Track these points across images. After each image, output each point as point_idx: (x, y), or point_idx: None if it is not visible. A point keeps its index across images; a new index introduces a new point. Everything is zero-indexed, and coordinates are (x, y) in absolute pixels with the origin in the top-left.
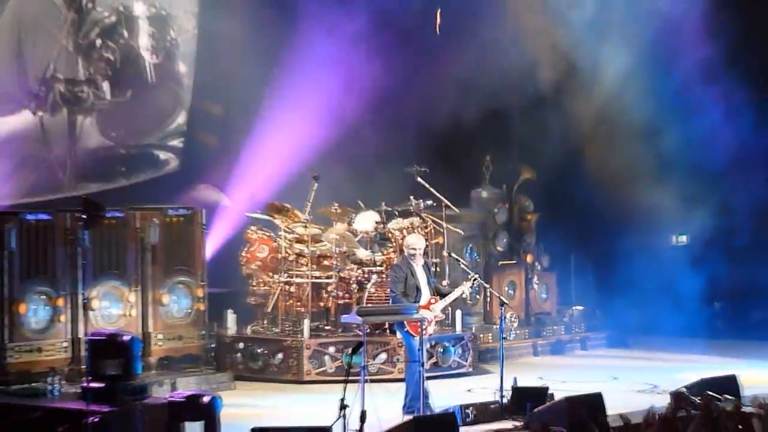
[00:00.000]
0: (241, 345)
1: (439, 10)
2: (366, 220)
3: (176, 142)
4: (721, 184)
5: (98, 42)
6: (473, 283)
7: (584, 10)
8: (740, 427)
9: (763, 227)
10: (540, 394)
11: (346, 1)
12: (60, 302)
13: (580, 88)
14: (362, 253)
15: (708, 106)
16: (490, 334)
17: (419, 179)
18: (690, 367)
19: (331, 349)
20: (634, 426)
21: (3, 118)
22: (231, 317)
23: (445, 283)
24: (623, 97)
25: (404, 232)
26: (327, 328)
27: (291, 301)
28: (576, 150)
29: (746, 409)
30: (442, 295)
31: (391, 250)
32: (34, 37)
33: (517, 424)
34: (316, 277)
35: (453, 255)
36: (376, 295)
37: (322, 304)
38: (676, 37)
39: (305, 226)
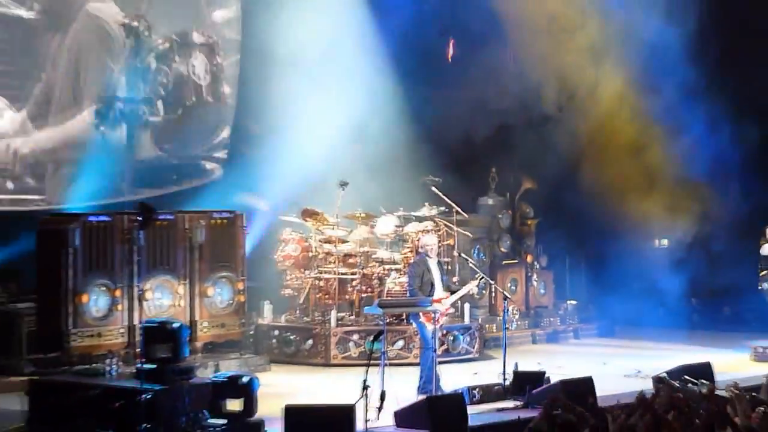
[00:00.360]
0: (276, 332)
1: (452, 40)
2: (386, 224)
3: (220, 154)
4: (700, 194)
5: (153, 65)
6: (480, 282)
7: (582, 39)
8: (715, 408)
9: (737, 234)
10: (538, 377)
11: (370, 30)
12: (118, 293)
13: (578, 109)
14: (383, 253)
15: (690, 124)
16: (495, 325)
17: (433, 188)
18: (670, 355)
19: (355, 337)
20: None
21: (71, 132)
22: (267, 308)
23: (455, 279)
24: (616, 117)
25: (420, 234)
26: (351, 318)
27: (320, 294)
28: (572, 164)
29: (720, 392)
30: (453, 291)
31: (408, 250)
32: (100, 59)
33: (518, 403)
34: (342, 274)
35: (462, 255)
36: (394, 289)
37: (347, 297)
38: (662, 62)
39: (333, 229)
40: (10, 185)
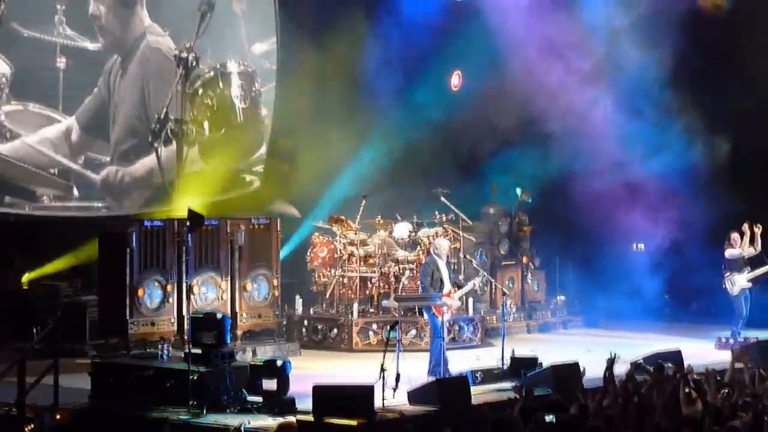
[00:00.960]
0: (306, 322)
1: (458, 72)
2: (402, 229)
3: (259, 168)
4: (675, 204)
5: (200, 91)
6: (482, 280)
7: (575, 65)
8: (687, 389)
9: (706, 239)
10: (532, 362)
11: (388, 61)
12: (169, 288)
13: (568, 129)
14: (399, 254)
15: (666, 141)
16: (494, 317)
17: (443, 198)
18: (645, 344)
19: (374, 326)
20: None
21: (130, 148)
22: (299, 301)
23: (461, 277)
24: (601, 136)
25: (431, 238)
26: (371, 310)
27: (344, 290)
28: (561, 178)
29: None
30: (459, 287)
31: (421, 252)
32: (156, 85)
33: (514, 384)
34: (363, 272)
35: (467, 256)
36: (408, 285)
37: (367, 292)
38: (642, 87)
39: (356, 233)
40: (76, 193)
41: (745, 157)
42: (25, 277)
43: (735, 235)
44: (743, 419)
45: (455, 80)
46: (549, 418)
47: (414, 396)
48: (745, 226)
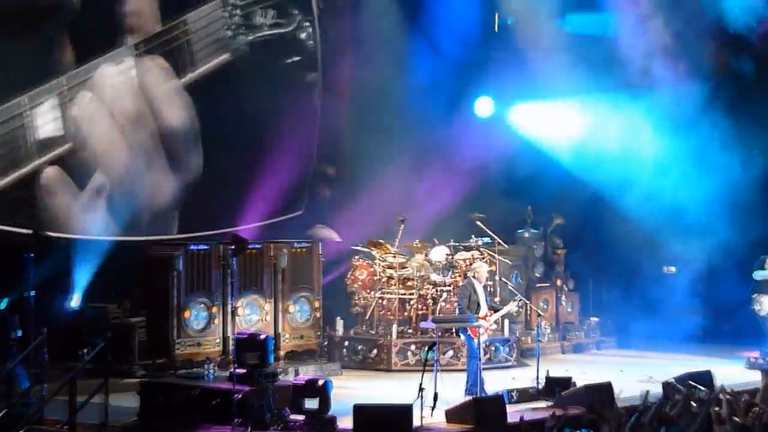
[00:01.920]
0: (346, 343)
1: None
2: (439, 253)
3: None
4: (705, 229)
5: None
6: (518, 303)
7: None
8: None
9: (735, 262)
10: (566, 382)
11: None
12: (214, 309)
13: (595, 162)
14: (436, 277)
15: (698, 177)
16: (529, 337)
17: (478, 223)
18: (677, 364)
19: (413, 347)
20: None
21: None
22: (339, 322)
23: (497, 299)
24: (624, 169)
25: (467, 261)
26: (409, 331)
27: (383, 311)
28: (594, 204)
29: (720, 396)
30: (496, 310)
31: (457, 275)
32: None
33: (549, 403)
34: (402, 294)
35: (503, 279)
36: (446, 307)
37: (406, 313)
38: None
39: (394, 256)
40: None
41: None
42: (76, 300)
43: (766, 257)
44: None
45: (485, 105)
46: None
47: (451, 415)
48: None
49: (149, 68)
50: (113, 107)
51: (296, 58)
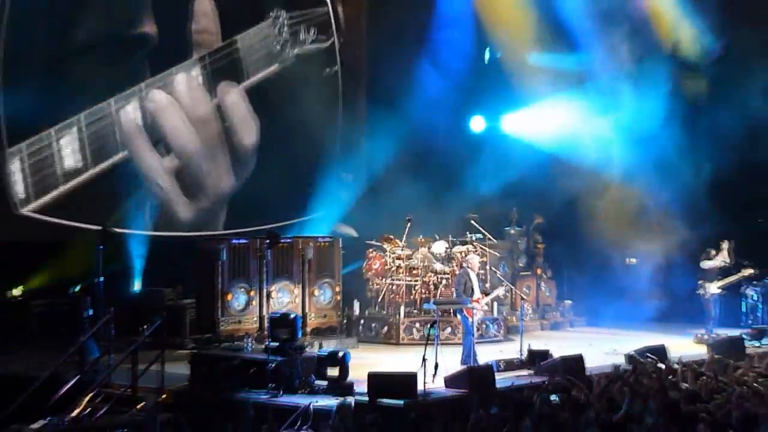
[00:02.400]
0: (362, 321)
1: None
2: (439, 246)
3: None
4: (662, 226)
5: None
6: (505, 289)
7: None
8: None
9: (687, 253)
10: (545, 354)
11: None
12: (252, 293)
13: (570, 170)
14: (437, 267)
15: (658, 183)
16: (514, 317)
17: (473, 222)
18: (637, 339)
19: (417, 325)
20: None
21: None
22: (356, 304)
23: (487, 285)
24: (595, 176)
25: (463, 254)
26: (414, 311)
27: (393, 295)
28: (569, 205)
29: (674, 366)
30: (486, 294)
31: (455, 265)
32: None
33: (530, 372)
34: (408, 281)
35: (492, 268)
36: (445, 292)
37: (411, 297)
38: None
39: (402, 249)
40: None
41: (724, 184)
42: (137, 285)
43: (711, 251)
44: (718, 400)
45: (478, 123)
46: (553, 397)
47: (449, 381)
48: (720, 243)
49: (215, 78)
50: (184, 105)
51: (335, 68)
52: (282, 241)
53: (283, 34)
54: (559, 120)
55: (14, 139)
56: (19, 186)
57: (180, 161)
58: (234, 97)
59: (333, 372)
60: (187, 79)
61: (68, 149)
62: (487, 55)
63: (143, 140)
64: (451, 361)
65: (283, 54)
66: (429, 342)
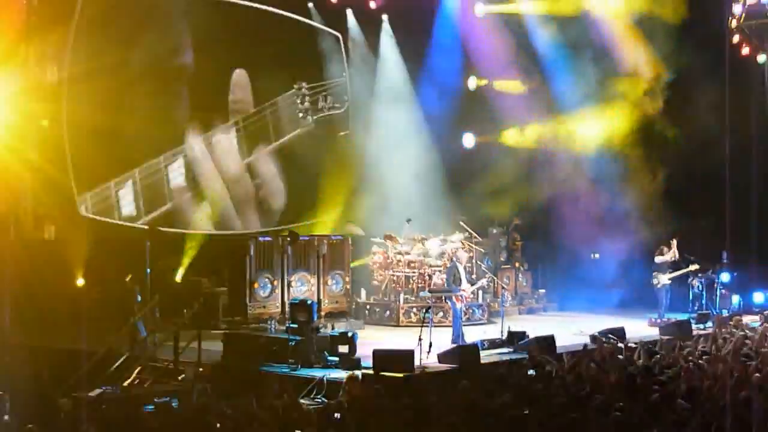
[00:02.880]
0: (368, 307)
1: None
2: (433, 243)
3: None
4: (622, 227)
5: None
6: (488, 279)
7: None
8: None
9: (645, 250)
10: (522, 334)
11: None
12: (275, 282)
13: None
14: (431, 261)
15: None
16: (496, 303)
17: (461, 222)
18: (600, 322)
19: (414, 310)
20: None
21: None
22: (363, 292)
23: (473, 276)
24: (570, 179)
25: (453, 250)
26: (412, 298)
27: (394, 285)
28: (544, 209)
29: (630, 344)
30: (472, 284)
31: (446, 259)
32: None
33: (510, 349)
34: (407, 272)
35: (478, 262)
36: (437, 282)
37: (410, 286)
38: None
39: (401, 245)
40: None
41: (675, 191)
42: (179, 276)
43: (663, 248)
44: (669, 374)
45: (468, 139)
46: (530, 372)
47: (442, 357)
48: (671, 241)
49: (248, 139)
50: (220, 164)
51: (347, 132)
52: (300, 239)
53: (305, 104)
54: (535, 137)
55: (80, 188)
56: None
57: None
58: (264, 157)
59: (343, 349)
60: (225, 139)
61: (125, 200)
62: (472, 83)
63: (186, 193)
64: (443, 340)
65: (305, 120)
66: (424, 324)
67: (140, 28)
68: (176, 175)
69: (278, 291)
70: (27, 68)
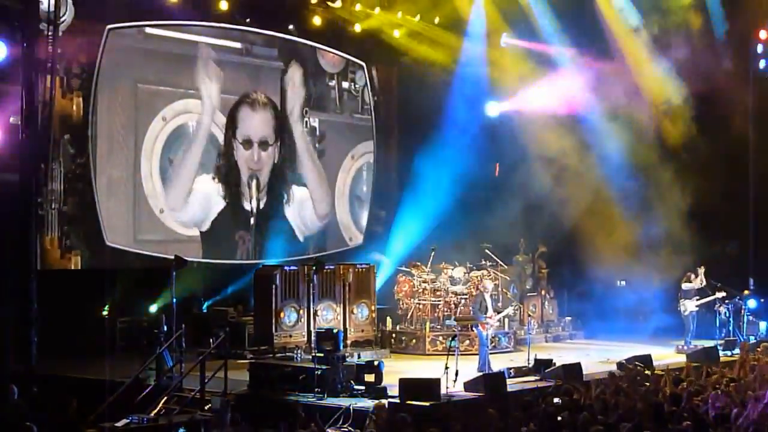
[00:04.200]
0: (394, 335)
1: (498, 164)
2: (459, 272)
3: (361, 230)
4: (645, 256)
5: None
6: (515, 308)
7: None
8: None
9: (670, 276)
10: (548, 362)
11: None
12: (301, 311)
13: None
14: (457, 289)
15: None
16: (522, 331)
17: (486, 250)
18: (627, 349)
19: (440, 338)
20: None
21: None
22: (389, 320)
23: (499, 305)
24: (596, 210)
25: (478, 278)
26: (438, 327)
27: (420, 313)
28: (570, 236)
29: (657, 372)
30: (498, 312)
31: (472, 287)
32: None
33: (537, 378)
34: (433, 301)
35: (504, 290)
36: (463, 310)
37: (436, 314)
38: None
39: (427, 274)
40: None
41: (701, 219)
42: (205, 305)
43: (690, 274)
44: (696, 402)
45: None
46: (556, 400)
47: (468, 386)
48: (699, 268)
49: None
50: None
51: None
52: (326, 267)
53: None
54: (559, 164)
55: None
56: None
57: None
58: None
59: (370, 378)
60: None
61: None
62: (497, 170)
63: None
64: (469, 368)
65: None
66: (450, 353)
67: None
68: None
69: (304, 320)
70: None
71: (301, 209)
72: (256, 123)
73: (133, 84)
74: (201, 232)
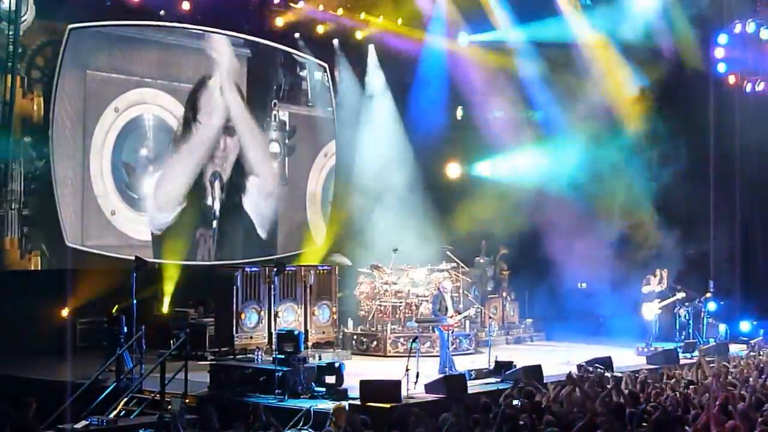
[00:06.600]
0: (355, 337)
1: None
2: (420, 273)
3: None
4: (610, 255)
5: None
6: (476, 309)
7: None
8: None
9: (630, 279)
10: (509, 364)
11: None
12: (262, 313)
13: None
14: (418, 290)
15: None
16: (483, 333)
17: (448, 252)
18: (587, 351)
19: (401, 339)
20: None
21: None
22: (350, 322)
23: (460, 306)
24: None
25: (439, 279)
26: (399, 328)
27: (381, 315)
28: (530, 239)
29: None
30: (459, 313)
31: (433, 289)
32: None
33: (497, 379)
34: (394, 302)
35: (465, 292)
36: (424, 312)
37: (397, 316)
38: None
39: (388, 275)
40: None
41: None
42: (165, 306)
43: (650, 277)
44: (654, 404)
45: (454, 169)
46: (516, 402)
47: (429, 387)
48: (657, 271)
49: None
50: None
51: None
52: (287, 269)
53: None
54: (521, 167)
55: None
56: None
57: None
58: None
59: (330, 379)
60: None
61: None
62: (459, 113)
63: None
64: (430, 369)
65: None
66: (411, 354)
67: None
68: None
69: (265, 321)
70: None
71: (259, 203)
72: (218, 109)
73: (82, 72)
74: (156, 234)
